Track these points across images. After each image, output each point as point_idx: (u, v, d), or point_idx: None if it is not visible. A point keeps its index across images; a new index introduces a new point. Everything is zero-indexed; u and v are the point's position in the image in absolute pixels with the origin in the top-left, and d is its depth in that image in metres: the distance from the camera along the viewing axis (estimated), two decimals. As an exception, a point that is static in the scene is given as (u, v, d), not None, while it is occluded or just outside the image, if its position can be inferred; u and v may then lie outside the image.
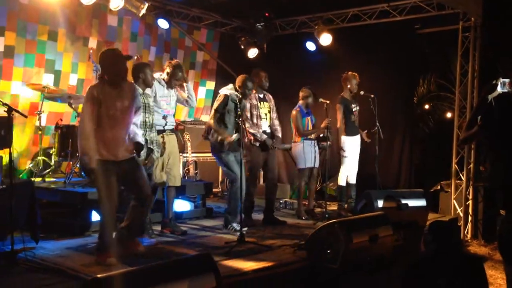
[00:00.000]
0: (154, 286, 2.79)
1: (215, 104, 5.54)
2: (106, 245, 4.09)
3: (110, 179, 4.08)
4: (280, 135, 6.18)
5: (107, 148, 4.08)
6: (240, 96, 5.28)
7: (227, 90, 5.53)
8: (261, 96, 6.07)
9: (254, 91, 5.93)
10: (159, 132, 5.10)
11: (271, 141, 5.95)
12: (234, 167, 5.39)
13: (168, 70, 5.20)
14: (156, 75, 5.20)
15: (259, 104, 5.95)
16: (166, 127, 5.19)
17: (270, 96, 6.21)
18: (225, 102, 5.42)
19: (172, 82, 5.22)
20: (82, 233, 5.11)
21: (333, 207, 6.88)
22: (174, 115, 5.38)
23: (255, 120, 5.89)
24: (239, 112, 5.23)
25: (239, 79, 5.53)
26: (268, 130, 6.04)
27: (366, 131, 6.81)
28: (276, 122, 6.16)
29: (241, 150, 5.09)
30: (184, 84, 5.48)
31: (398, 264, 4.40)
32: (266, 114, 6.04)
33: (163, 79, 5.21)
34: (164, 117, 5.16)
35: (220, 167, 6.43)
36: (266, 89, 6.12)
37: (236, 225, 5.30)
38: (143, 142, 4.36)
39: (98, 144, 4.05)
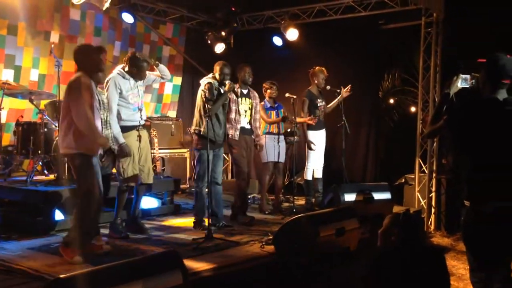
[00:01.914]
0: (119, 285, 2.74)
1: (201, 94, 5.27)
2: (75, 243, 3.99)
3: (94, 172, 4.05)
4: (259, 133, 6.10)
5: (90, 140, 4.02)
6: (217, 84, 5.30)
7: (207, 79, 5.41)
8: (245, 92, 5.91)
9: (237, 86, 5.76)
10: (135, 127, 4.99)
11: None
12: (206, 166, 5.19)
13: (131, 65, 4.97)
14: (118, 68, 5.05)
15: (239, 99, 5.79)
16: (141, 122, 5.07)
17: (256, 94, 6.06)
18: (212, 91, 5.26)
19: (142, 74, 5.08)
20: (45, 233, 4.96)
21: (301, 201, 6.93)
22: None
23: (232, 115, 5.73)
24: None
25: (216, 66, 5.48)
26: (248, 127, 5.93)
27: (348, 87, 6.60)
28: (257, 122, 6.00)
29: (207, 145, 4.99)
30: (156, 67, 5.37)
31: (365, 256, 4.47)
32: (246, 111, 5.91)
33: (126, 72, 4.99)
34: (140, 110, 5.03)
35: (192, 162, 6.39)
36: (249, 84, 5.97)
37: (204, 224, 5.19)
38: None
39: (83, 136, 3.99)
